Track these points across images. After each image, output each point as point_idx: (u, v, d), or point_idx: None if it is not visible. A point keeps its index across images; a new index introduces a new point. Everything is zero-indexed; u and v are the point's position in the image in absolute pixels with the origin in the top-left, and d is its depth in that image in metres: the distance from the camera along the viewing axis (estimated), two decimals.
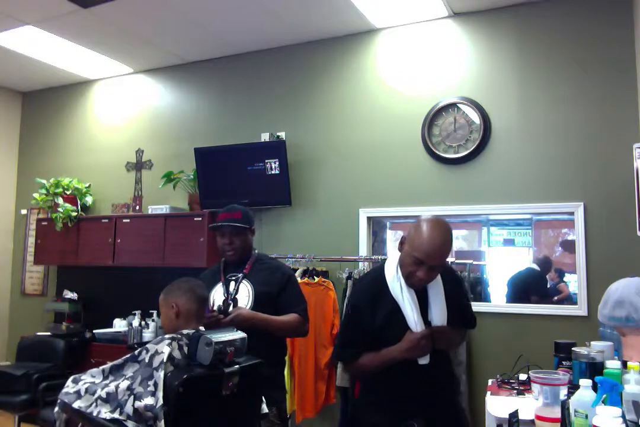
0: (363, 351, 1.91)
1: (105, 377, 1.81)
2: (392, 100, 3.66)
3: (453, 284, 2.00)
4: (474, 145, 3.36)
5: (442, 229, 1.82)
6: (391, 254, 2.01)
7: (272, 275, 2.40)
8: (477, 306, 3.28)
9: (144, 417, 1.65)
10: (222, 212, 2.46)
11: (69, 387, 1.81)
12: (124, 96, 4.75)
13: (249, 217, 2.47)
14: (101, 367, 1.84)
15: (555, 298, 4.24)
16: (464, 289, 2.22)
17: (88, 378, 1.83)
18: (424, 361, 1.85)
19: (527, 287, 4.10)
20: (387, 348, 1.86)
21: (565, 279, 4.45)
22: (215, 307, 2.23)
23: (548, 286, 4.36)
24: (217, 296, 2.35)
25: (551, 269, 4.47)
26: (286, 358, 3.24)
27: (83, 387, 1.77)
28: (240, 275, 2.39)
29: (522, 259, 5.09)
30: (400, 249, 1.90)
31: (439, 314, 1.89)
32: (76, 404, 1.74)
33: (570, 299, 4.13)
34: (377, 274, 1.99)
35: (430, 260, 1.78)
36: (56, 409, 1.81)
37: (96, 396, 1.73)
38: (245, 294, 2.33)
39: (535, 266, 4.37)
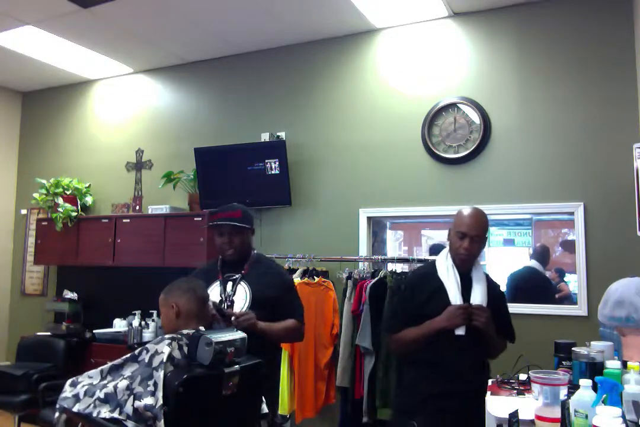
0: (407, 325, 2.23)
1: (103, 378, 1.80)
2: (392, 100, 3.66)
3: (495, 292, 2.36)
4: (474, 145, 3.36)
5: (476, 209, 2.30)
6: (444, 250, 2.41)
7: (271, 278, 2.36)
8: None
9: (143, 417, 1.65)
10: (221, 210, 2.41)
11: (67, 391, 1.79)
12: (124, 96, 4.75)
13: (248, 216, 2.43)
14: (100, 368, 1.83)
15: (557, 296, 4.22)
16: (505, 302, 2.49)
17: (86, 380, 1.81)
18: (460, 331, 2.14)
19: (529, 286, 4.05)
20: (428, 320, 2.18)
21: (565, 278, 4.43)
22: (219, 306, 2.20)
23: (552, 282, 4.29)
24: (213, 295, 2.31)
25: (549, 260, 4.39)
26: (285, 358, 3.26)
27: (82, 391, 1.76)
28: (238, 276, 2.35)
29: (522, 259, 5.08)
30: (449, 237, 2.32)
31: (479, 297, 2.22)
32: (75, 408, 1.73)
33: (570, 298, 4.12)
34: (429, 263, 2.43)
35: (471, 230, 2.21)
36: (56, 414, 1.80)
37: (95, 397, 1.72)
38: (242, 296, 2.29)
39: (535, 262, 4.29)
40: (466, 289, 2.24)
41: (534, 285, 4.05)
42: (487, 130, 3.35)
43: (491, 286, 2.35)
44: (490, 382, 2.46)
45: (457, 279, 2.24)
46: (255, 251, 2.49)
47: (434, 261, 2.37)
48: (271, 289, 2.32)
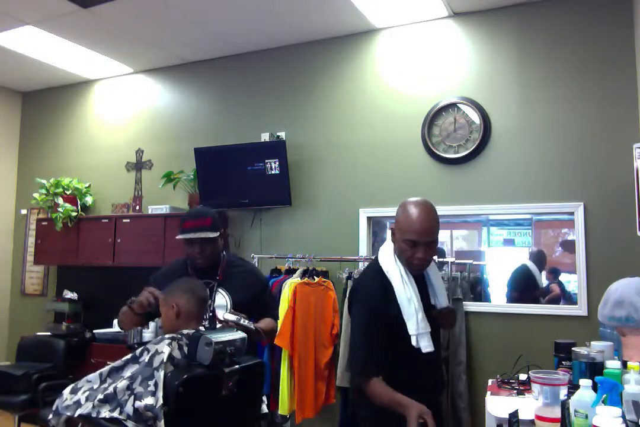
0: (383, 362, 1.80)
1: (103, 381, 1.79)
2: (392, 100, 3.66)
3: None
4: (474, 145, 3.36)
5: (425, 207, 1.89)
6: (383, 249, 2.00)
7: (248, 280, 2.31)
8: (477, 306, 3.30)
9: (143, 417, 1.65)
10: (190, 218, 2.26)
11: (68, 399, 1.77)
12: (124, 96, 4.74)
13: (217, 221, 2.29)
14: (99, 371, 1.82)
15: (547, 297, 4.19)
16: None
17: (85, 386, 1.80)
18: (429, 348, 1.84)
19: (517, 285, 4.07)
20: (399, 396, 1.70)
21: (561, 278, 4.39)
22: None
23: (538, 283, 4.27)
24: None
25: (545, 264, 4.39)
26: (285, 358, 3.26)
27: (83, 397, 1.75)
28: (214, 282, 2.26)
29: (521, 258, 5.07)
30: (393, 239, 1.92)
31: (443, 297, 1.98)
32: (77, 414, 1.73)
33: (569, 299, 4.10)
34: (375, 271, 1.95)
35: (423, 238, 1.83)
36: (50, 416, 1.78)
37: (95, 401, 1.72)
38: (222, 304, 2.22)
39: (530, 263, 4.30)
40: (422, 288, 1.94)
41: (521, 283, 4.07)
42: (487, 130, 3.35)
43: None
44: (490, 382, 2.47)
45: (414, 287, 1.88)
46: (224, 253, 2.40)
47: (377, 265, 1.95)
48: (249, 291, 2.29)
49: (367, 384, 1.78)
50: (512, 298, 4.03)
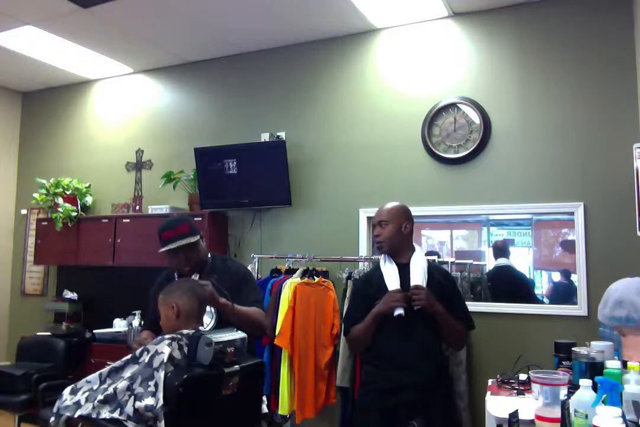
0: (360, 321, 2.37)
1: (102, 382, 1.79)
2: (392, 100, 3.66)
3: (441, 275, 2.45)
4: (474, 145, 3.36)
5: (388, 203, 2.53)
6: None
7: (229, 282, 2.24)
8: (477, 306, 3.30)
9: (144, 417, 1.65)
10: (166, 229, 2.24)
11: (68, 400, 1.78)
12: (124, 96, 4.74)
13: (194, 224, 2.29)
14: (98, 372, 1.82)
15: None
16: (454, 284, 2.53)
17: (85, 386, 1.80)
18: (399, 311, 2.24)
19: (510, 285, 3.88)
20: (370, 314, 2.33)
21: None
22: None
23: (529, 279, 4.09)
24: None
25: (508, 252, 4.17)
26: (285, 358, 3.26)
27: (82, 397, 1.75)
28: None
29: (522, 259, 5.06)
30: None
31: (415, 278, 2.32)
32: (77, 414, 1.73)
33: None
34: (376, 264, 2.56)
35: (375, 218, 2.49)
36: (52, 419, 1.78)
37: (95, 401, 1.72)
38: (207, 315, 2.15)
39: (505, 260, 4.09)
40: (407, 277, 2.35)
41: (516, 283, 3.87)
42: (487, 130, 3.35)
43: (435, 269, 2.47)
44: (490, 382, 2.47)
45: (393, 268, 2.38)
46: (209, 255, 2.37)
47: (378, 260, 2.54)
48: (230, 290, 2.20)
49: (350, 333, 2.42)
50: (512, 300, 3.78)
